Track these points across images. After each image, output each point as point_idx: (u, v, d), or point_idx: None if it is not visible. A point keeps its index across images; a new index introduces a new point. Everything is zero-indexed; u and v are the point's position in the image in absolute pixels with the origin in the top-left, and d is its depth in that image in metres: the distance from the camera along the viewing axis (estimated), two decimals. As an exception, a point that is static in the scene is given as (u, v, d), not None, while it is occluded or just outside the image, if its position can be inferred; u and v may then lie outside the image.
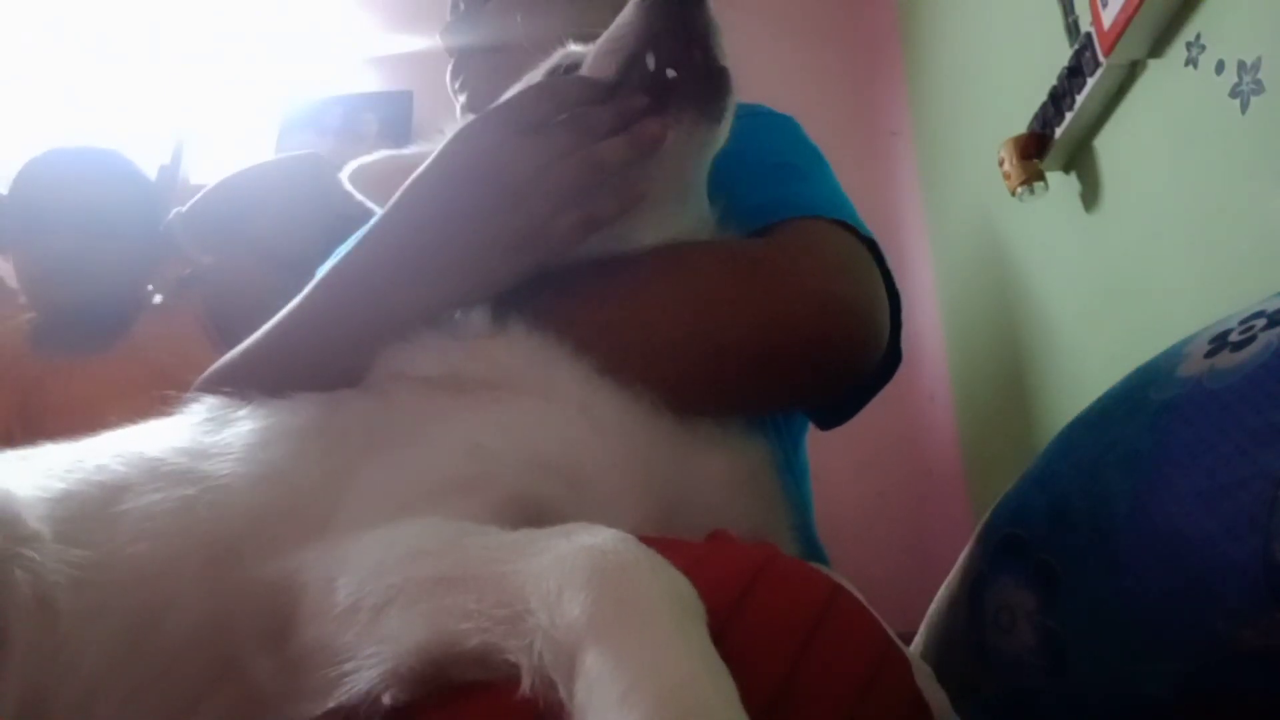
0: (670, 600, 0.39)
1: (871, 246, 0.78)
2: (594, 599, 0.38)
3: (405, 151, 0.89)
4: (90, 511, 0.59)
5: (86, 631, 0.53)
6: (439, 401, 0.63)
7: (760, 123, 0.95)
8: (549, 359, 0.64)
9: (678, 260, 0.71)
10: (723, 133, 0.73)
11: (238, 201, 1.66)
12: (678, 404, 0.65)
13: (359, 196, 0.89)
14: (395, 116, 2.81)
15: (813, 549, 0.86)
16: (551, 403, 0.62)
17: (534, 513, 0.51)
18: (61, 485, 0.61)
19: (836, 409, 0.85)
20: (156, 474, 0.60)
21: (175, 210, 1.67)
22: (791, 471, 0.91)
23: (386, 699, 0.41)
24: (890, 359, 0.80)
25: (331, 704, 0.43)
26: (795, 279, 0.70)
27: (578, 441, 0.60)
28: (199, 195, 1.68)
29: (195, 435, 0.64)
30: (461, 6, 1.10)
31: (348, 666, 0.42)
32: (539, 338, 0.65)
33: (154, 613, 0.53)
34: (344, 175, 0.88)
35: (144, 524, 0.57)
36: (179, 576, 0.54)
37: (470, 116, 0.95)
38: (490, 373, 0.64)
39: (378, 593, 0.44)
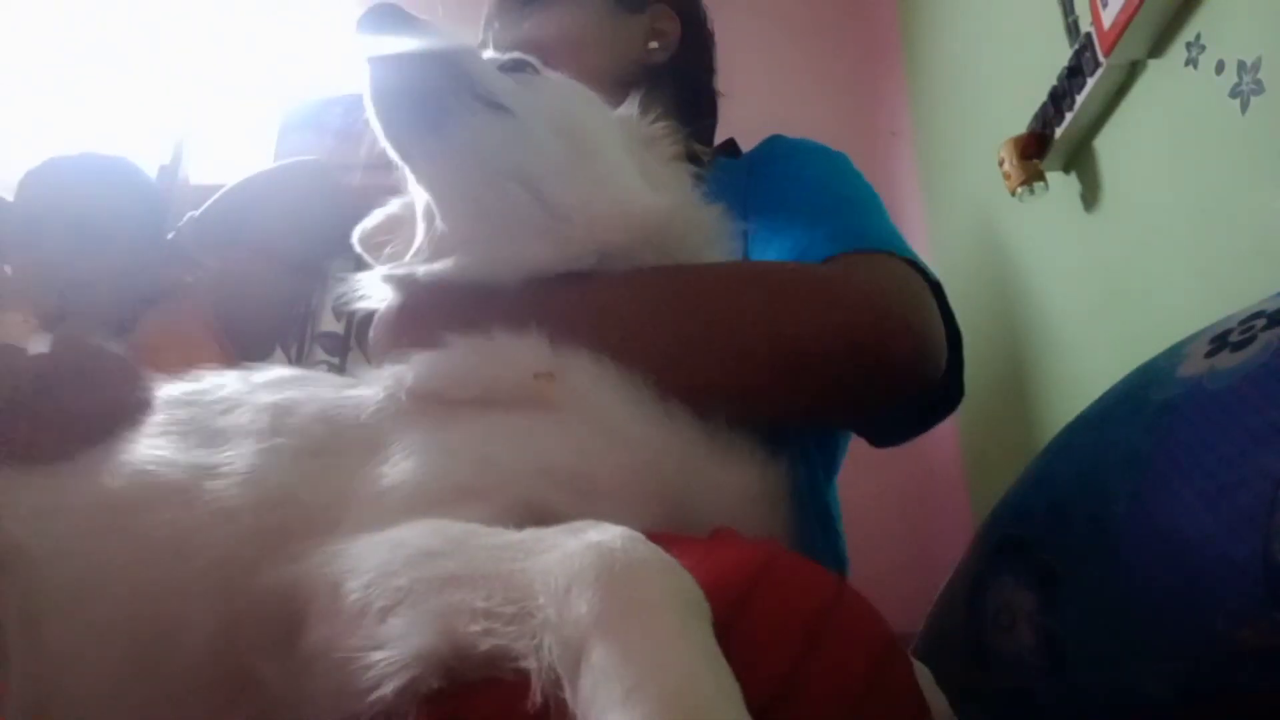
0: (676, 599, 0.39)
1: (936, 289, 0.80)
2: (601, 596, 0.38)
3: (392, 206, 0.91)
4: (83, 530, 0.58)
5: (84, 654, 0.53)
6: (451, 412, 0.63)
7: (814, 158, 0.97)
8: (611, 393, 0.64)
9: (745, 276, 0.73)
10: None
11: (244, 207, 1.68)
12: (744, 410, 0.66)
13: (368, 258, 0.90)
14: (395, 116, 2.80)
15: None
16: (568, 417, 0.62)
17: (541, 519, 0.51)
18: (52, 500, 0.60)
19: (893, 428, 0.86)
20: (154, 490, 0.60)
21: (188, 215, 1.69)
22: (819, 496, 0.92)
23: (396, 700, 0.41)
24: (953, 394, 0.82)
25: (344, 707, 0.43)
26: (856, 293, 0.71)
27: (590, 452, 0.60)
28: (208, 202, 1.69)
29: (192, 449, 0.64)
30: (496, 27, 1.11)
31: (362, 678, 0.42)
32: (604, 371, 0.64)
33: (165, 636, 0.53)
34: (354, 241, 0.90)
35: (147, 547, 0.57)
36: (189, 597, 0.54)
37: None
38: (548, 404, 0.64)
39: (386, 594, 0.45)
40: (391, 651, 0.42)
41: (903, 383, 0.73)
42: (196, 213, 1.68)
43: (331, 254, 2.68)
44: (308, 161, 1.85)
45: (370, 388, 0.68)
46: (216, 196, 1.70)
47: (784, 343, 0.68)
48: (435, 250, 0.76)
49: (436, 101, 0.71)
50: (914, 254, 0.81)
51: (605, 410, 0.63)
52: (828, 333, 0.69)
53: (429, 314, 0.72)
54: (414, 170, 0.75)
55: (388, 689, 0.41)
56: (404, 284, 0.77)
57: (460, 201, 0.73)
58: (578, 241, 0.71)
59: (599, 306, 0.69)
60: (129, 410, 0.68)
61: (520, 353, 0.65)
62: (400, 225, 0.87)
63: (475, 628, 0.41)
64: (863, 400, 0.75)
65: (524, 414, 0.62)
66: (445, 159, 0.72)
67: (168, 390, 0.71)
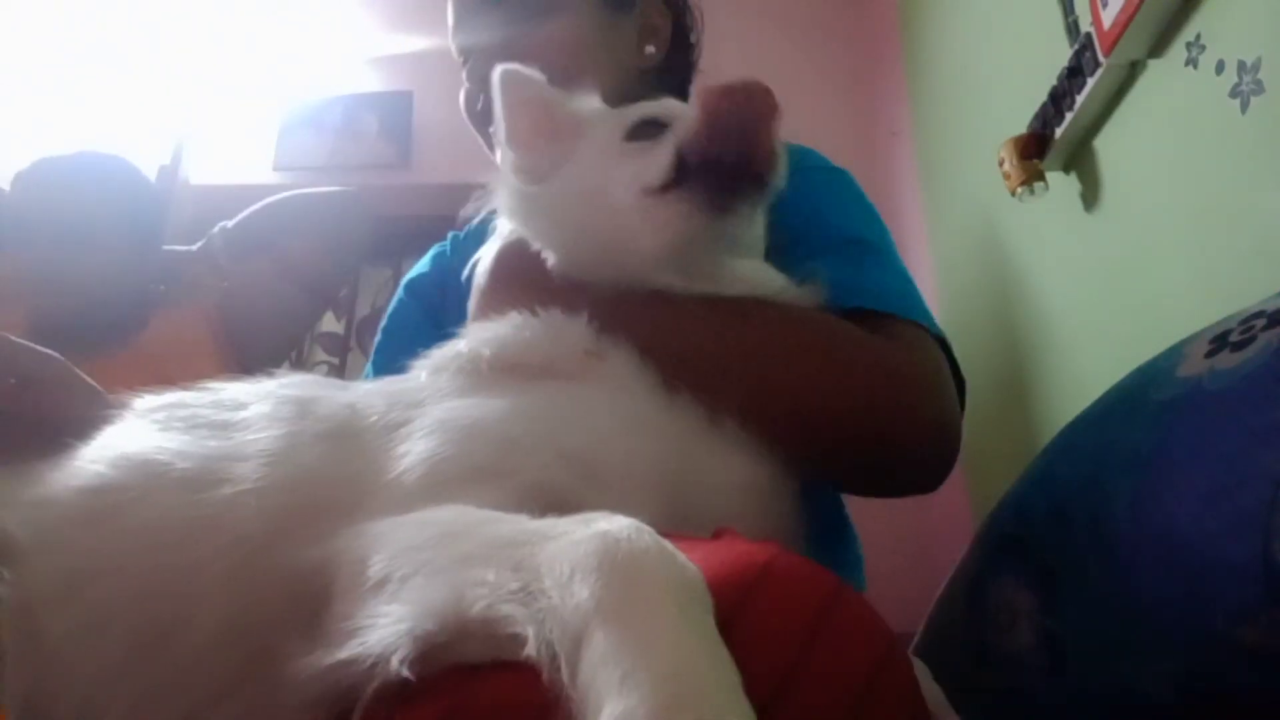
0: (677, 587, 0.40)
1: (944, 344, 0.83)
2: (603, 583, 0.39)
3: (562, 97, 0.86)
4: (76, 520, 0.58)
5: (82, 647, 0.53)
6: (481, 388, 0.66)
7: (821, 179, 0.97)
8: (637, 382, 0.68)
9: (821, 334, 0.75)
10: (735, 225, 0.77)
11: (277, 222, 1.69)
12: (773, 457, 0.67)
13: (495, 98, 0.84)
14: (395, 116, 2.81)
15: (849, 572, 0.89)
16: (589, 401, 0.65)
17: (555, 501, 0.52)
18: (41, 491, 0.60)
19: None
20: (163, 479, 0.59)
21: (220, 225, 1.69)
22: (829, 496, 0.92)
23: (396, 660, 0.41)
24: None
25: (344, 655, 0.44)
26: (920, 397, 0.75)
27: (603, 437, 0.62)
28: (245, 213, 1.70)
29: (204, 441, 0.64)
30: (464, 55, 1.10)
31: (365, 624, 0.44)
32: (638, 368, 0.68)
33: (169, 624, 0.53)
34: (495, 73, 0.84)
35: (152, 534, 0.57)
36: (198, 584, 0.54)
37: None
38: (574, 379, 0.67)
39: (407, 567, 0.46)
40: (401, 610, 0.43)
41: (931, 478, 0.78)
42: (230, 223, 1.68)
43: (345, 281, 2.70)
44: (345, 192, 1.86)
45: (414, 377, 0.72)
46: (254, 208, 1.71)
47: (826, 413, 0.71)
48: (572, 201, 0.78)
49: (742, 197, 0.74)
50: (925, 311, 0.84)
51: (628, 396, 0.66)
52: (882, 430, 0.72)
53: (519, 287, 0.76)
54: (674, 209, 0.73)
55: (392, 645, 0.42)
56: (510, 240, 0.81)
57: (659, 250, 0.74)
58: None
59: (670, 329, 0.72)
60: (74, 417, 0.68)
61: (572, 331, 0.71)
62: (558, 125, 0.83)
63: (481, 591, 0.42)
64: (876, 479, 0.80)
65: (546, 394, 0.65)
66: (697, 227, 0.73)
67: (164, 397, 0.71)
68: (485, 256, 0.84)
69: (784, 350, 0.73)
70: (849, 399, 0.72)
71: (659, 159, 0.74)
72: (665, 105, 0.82)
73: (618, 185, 0.76)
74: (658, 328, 0.71)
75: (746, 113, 0.72)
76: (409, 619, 0.42)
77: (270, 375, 0.71)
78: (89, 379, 0.76)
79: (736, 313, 0.74)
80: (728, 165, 0.72)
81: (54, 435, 0.66)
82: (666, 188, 0.73)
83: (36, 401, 0.72)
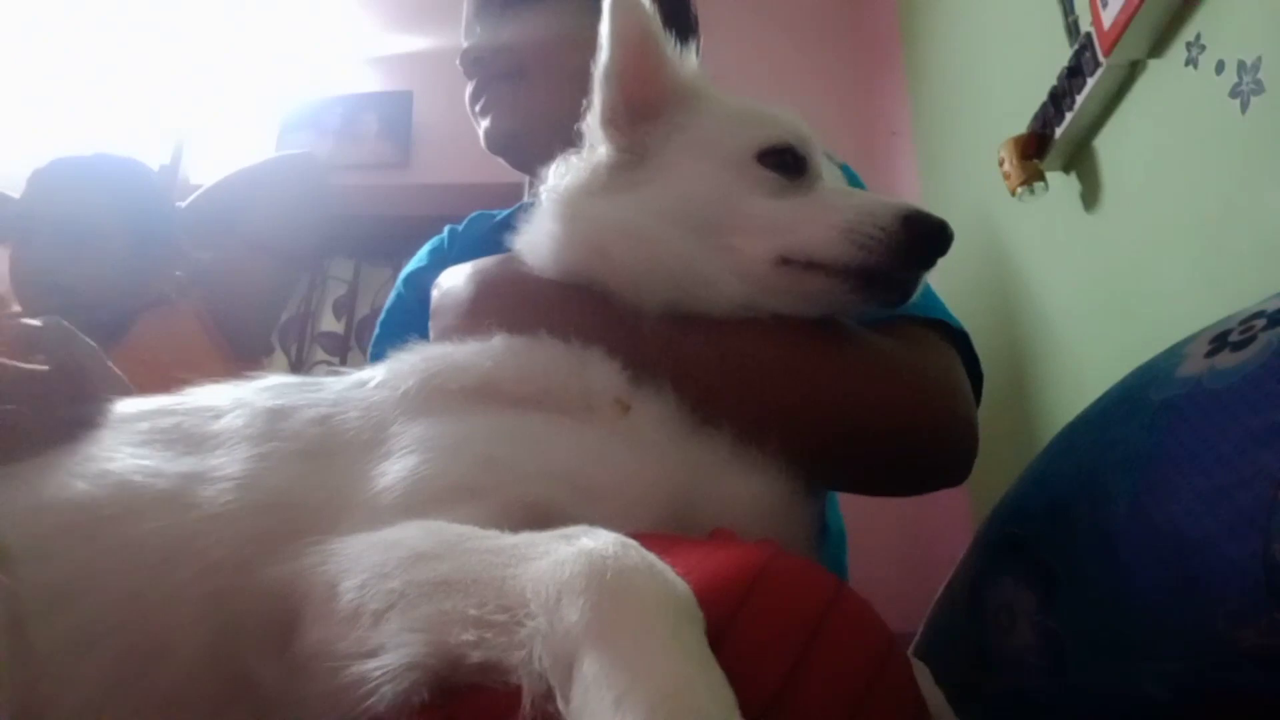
0: (668, 606, 0.39)
1: (963, 338, 0.84)
2: (592, 604, 0.38)
3: (670, 45, 0.79)
4: (65, 532, 0.58)
5: (72, 662, 0.52)
6: (461, 406, 0.63)
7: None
8: (673, 434, 0.64)
9: (845, 348, 0.73)
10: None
11: (235, 199, 1.68)
12: (799, 470, 0.65)
13: (603, 26, 0.76)
14: (395, 116, 2.81)
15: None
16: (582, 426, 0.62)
17: (541, 519, 0.51)
18: (34, 499, 0.60)
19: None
20: (139, 501, 0.59)
21: (174, 205, 1.68)
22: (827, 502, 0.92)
23: (386, 696, 0.41)
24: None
25: (330, 687, 0.43)
26: (933, 394, 0.75)
27: (594, 454, 0.60)
28: (197, 193, 1.69)
29: (180, 458, 0.63)
30: (478, 30, 1.10)
31: (354, 684, 0.43)
32: (672, 415, 0.65)
33: (157, 643, 0.53)
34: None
35: (134, 554, 0.56)
36: (181, 604, 0.54)
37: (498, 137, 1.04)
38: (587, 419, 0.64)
39: (379, 597, 0.45)
40: (383, 661, 0.42)
41: (949, 472, 0.77)
42: (183, 204, 1.68)
43: (323, 248, 2.68)
44: (298, 155, 1.85)
45: (377, 385, 0.68)
46: (206, 188, 1.70)
47: (856, 430, 0.70)
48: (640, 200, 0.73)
49: (887, 303, 0.72)
50: (940, 306, 0.84)
51: (639, 430, 0.63)
52: (897, 427, 0.71)
53: (514, 303, 0.73)
54: (826, 287, 0.69)
55: (379, 697, 0.41)
56: (495, 260, 0.78)
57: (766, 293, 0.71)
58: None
59: (692, 353, 0.69)
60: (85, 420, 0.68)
61: (607, 374, 0.66)
62: (662, 81, 0.77)
63: (467, 637, 0.41)
64: (901, 481, 0.81)
65: (534, 416, 0.63)
66: (841, 309, 0.73)
67: (153, 401, 0.70)
68: (454, 274, 0.81)
69: (810, 366, 0.71)
70: (872, 408, 0.71)
71: (817, 228, 0.69)
72: (796, 131, 0.76)
73: (750, 228, 0.71)
74: (698, 359, 0.68)
75: (942, 242, 0.68)
76: (399, 681, 0.41)
77: (260, 366, 0.70)
78: (118, 372, 0.76)
79: (769, 335, 0.71)
80: (898, 276, 0.69)
81: (76, 425, 0.66)
82: (816, 265, 0.68)
83: (78, 390, 0.70)
